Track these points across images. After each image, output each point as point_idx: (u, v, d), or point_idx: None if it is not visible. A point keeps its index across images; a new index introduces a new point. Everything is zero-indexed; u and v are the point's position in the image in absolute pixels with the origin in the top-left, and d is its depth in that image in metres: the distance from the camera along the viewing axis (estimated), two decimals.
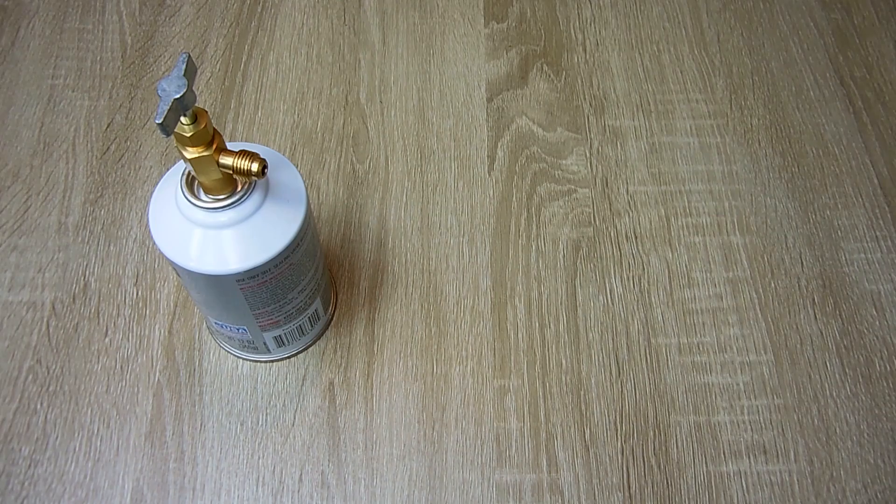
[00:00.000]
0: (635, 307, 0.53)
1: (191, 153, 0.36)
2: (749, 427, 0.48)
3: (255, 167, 0.37)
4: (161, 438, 0.47)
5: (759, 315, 0.52)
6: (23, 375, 0.49)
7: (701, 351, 0.51)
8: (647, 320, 0.52)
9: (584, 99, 0.62)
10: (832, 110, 0.62)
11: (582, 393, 0.49)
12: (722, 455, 0.48)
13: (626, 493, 0.46)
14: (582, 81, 0.63)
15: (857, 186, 0.58)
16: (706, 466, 0.47)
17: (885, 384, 0.50)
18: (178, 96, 0.33)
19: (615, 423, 0.48)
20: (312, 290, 0.46)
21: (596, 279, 0.54)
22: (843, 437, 0.48)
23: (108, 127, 0.60)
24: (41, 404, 0.48)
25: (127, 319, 0.51)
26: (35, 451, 0.47)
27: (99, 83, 0.62)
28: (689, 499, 0.46)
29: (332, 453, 0.47)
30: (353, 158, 0.59)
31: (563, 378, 0.50)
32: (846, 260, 0.55)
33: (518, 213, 0.56)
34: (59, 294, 0.52)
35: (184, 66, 0.34)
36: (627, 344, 0.51)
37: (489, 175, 0.58)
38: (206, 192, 0.39)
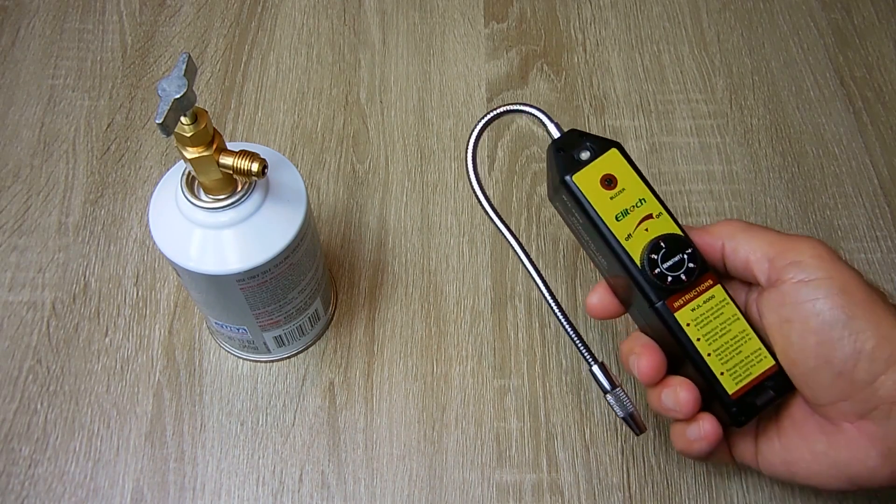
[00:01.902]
0: None
1: (191, 153, 0.36)
2: None
3: (255, 167, 0.37)
4: (161, 438, 0.47)
5: None
6: (23, 375, 0.49)
7: None
8: None
9: (584, 99, 0.62)
10: (832, 110, 0.62)
11: (582, 393, 0.49)
12: None
13: (626, 493, 0.46)
14: (582, 81, 0.63)
15: (857, 186, 0.58)
16: (706, 466, 0.47)
17: None
18: (178, 96, 0.33)
19: (615, 423, 0.48)
20: (312, 290, 0.46)
21: (596, 279, 0.54)
22: None
23: (108, 127, 0.60)
24: (41, 404, 0.48)
25: (127, 319, 0.51)
26: (35, 451, 0.47)
27: (99, 83, 0.62)
28: (689, 499, 0.46)
29: (332, 453, 0.47)
30: (353, 158, 0.59)
31: (563, 378, 0.50)
32: (846, 260, 0.55)
33: (518, 213, 0.56)
34: (60, 294, 0.52)
35: (184, 66, 0.34)
36: None
37: (489, 175, 0.58)
38: (206, 192, 0.39)
